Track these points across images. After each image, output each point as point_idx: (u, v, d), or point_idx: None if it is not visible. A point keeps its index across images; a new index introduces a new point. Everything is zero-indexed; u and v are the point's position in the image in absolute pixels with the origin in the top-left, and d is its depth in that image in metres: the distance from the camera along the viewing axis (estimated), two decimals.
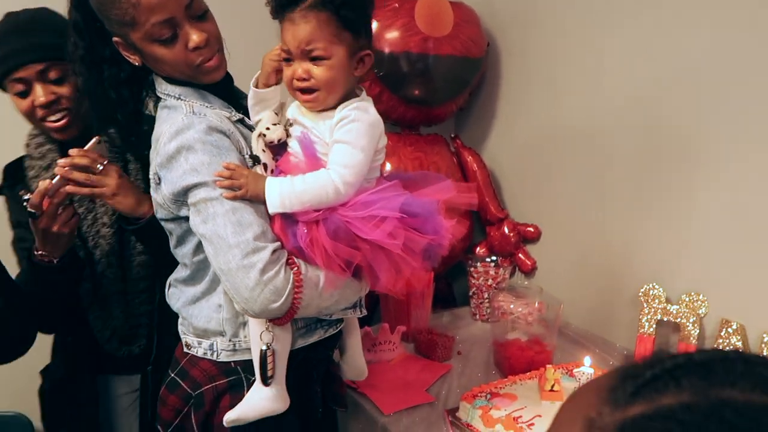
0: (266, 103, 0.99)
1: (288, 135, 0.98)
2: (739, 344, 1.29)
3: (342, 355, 1.19)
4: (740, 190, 1.30)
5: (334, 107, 0.94)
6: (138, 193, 1.09)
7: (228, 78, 1.05)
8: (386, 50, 1.71)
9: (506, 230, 1.90)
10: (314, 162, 0.94)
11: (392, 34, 1.70)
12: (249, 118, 1.02)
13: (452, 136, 1.98)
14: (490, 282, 1.77)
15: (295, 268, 0.91)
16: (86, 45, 0.99)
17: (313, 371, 1.09)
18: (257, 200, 0.91)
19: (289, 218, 0.91)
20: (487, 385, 1.30)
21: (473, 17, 1.82)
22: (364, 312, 1.10)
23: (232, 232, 0.88)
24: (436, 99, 1.81)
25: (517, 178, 1.94)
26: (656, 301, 1.45)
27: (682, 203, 1.42)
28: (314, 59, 0.91)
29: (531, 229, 1.87)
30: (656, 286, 1.45)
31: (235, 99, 1.06)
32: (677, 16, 1.38)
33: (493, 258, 1.82)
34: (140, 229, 1.09)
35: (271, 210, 0.90)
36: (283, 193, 0.90)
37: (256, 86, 1.00)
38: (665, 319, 1.43)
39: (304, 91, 0.93)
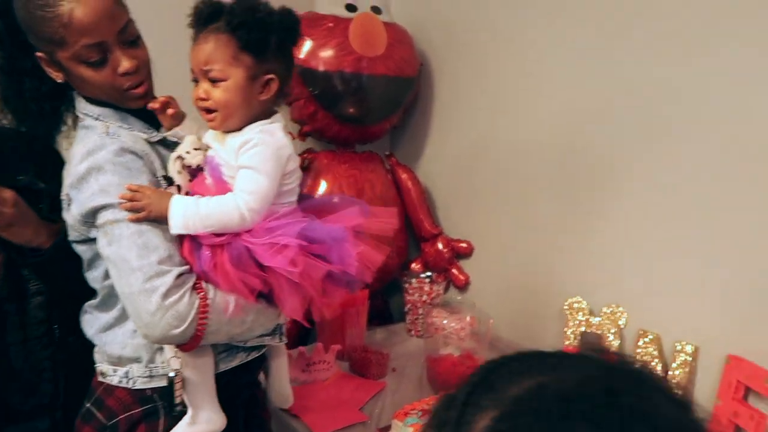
0: (181, 139, 1.00)
1: None
2: (655, 353, 1.36)
3: (267, 380, 1.18)
4: (652, 209, 1.37)
5: (240, 129, 0.95)
6: (36, 221, 1.04)
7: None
8: (321, 69, 1.72)
9: (440, 246, 1.94)
10: (221, 186, 0.94)
11: (327, 53, 1.72)
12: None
13: (387, 153, 2.01)
14: (424, 298, 1.79)
15: (202, 293, 0.89)
16: (6, 55, 0.96)
17: (236, 396, 1.07)
18: (162, 220, 0.89)
19: (196, 241, 0.90)
20: (419, 402, 1.31)
21: (406, 38, 1.86)
22: (284, 340, 1.09)
23: (137, 255, 0.86)
24: (370, 118, 1.83)
25: (451, 195, 1.98)
26: (580, 313, 1.51)
27: (602, 221, 1.49)
28: (212, 80, 0.92)
29: (464, 245, 1.92)
30: (580, 299, 1.52)
31: (158, 120, 1.05)
32: (600, 46, 1.45)
33: (428, 274, 1.85)
34: (40, 263, 1.04)
35: (173, 230, 0.89)
36: (186, 214, 0.89)
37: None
38: (588, 331, 1.49)
39: (206, 111, 0.94)
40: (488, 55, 1.78)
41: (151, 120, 1.01)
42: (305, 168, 1.87)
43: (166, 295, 0.86)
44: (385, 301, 2.08)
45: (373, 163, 1.92)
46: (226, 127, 0.95)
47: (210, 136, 0.99)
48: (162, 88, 1.04)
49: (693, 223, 1.30)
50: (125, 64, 0.92)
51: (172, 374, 0.93)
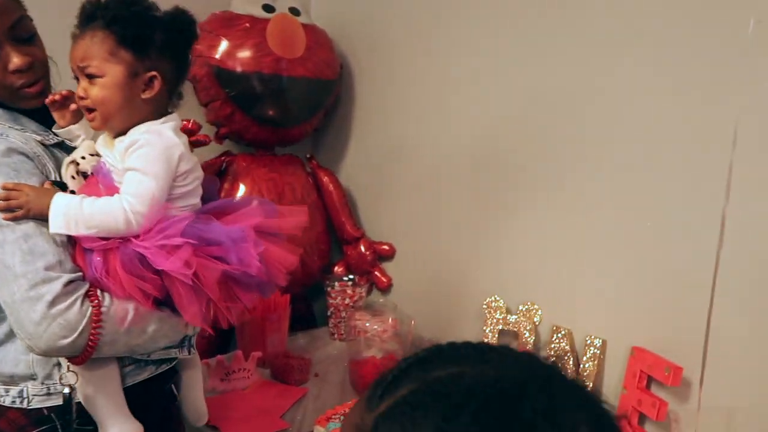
0: (75, 140, 0.96)
1: None
2: (567, 347, 1.42)
3: (179, 394, 1.13)
4: (561, 210, 1.43)
5: (126, 132, 0.91)
6: None
7: None
8: (238, 69, 1.68)
9: (362, 249, 1.94)
10: (112, 192, 0.89)
11: (244, 54, 1.68)
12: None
13: (308, 156, 1.99)
14: (347, 301, 1.79)
15: (96, 302, 0.85)
16: None
17: (147, 411, 1.02)
18: (42, 218, 0.84)
19: (85, 249, 0.86)
20: (341, 406, 1.31)
21: (326, 40, 1.85)
22: (193, 353, 1.05)
23: (21, 260, 0.81)
24: (289, 120, 1.81)
25: (372, 197, 1.99)
26: (498, 312, 1.55)
27: (515, 221, 1.54)
28: (89, 77, 0.89)
29: (386, 247, 1.93)
30: (497, 298, 1.56)
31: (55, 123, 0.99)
32: (514, 51, 1.50)
33: (351, 277, 1.85)
34: None
35: (52, 230, 0.84)
36: (68, 213, 0.84)
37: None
38: (506, 329, 1.54)
39: (87, 110, 0.90)
40: (406, 59, 1.80)
41: (47, 122, 0.96)
42: (223, 171, 1.82)
43: (53, 303, 0.81)
44: (308, 305, 2.06)
45: (294, 166, 1.90)
46: (110, 128, 0.91)
47: (100, 142, 0.94)
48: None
49: (597, 223, 1.36)
50: (16, 61, 0.88)
51: (66, 390, 0.88)
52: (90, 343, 0.84)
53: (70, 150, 0.96)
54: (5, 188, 0.83)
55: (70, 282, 0.83)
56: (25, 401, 0.91)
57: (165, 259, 0.85)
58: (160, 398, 1.07)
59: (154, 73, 0.91)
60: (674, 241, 1.23)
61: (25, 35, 0.90)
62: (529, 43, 1.46)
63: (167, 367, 1.02)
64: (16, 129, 0.90)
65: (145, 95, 0.91)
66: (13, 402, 0.91)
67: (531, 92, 1.47)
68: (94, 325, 0.84)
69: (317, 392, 1.47)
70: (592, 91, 1.34)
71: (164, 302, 0.90)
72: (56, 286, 0.82)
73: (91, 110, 0.90)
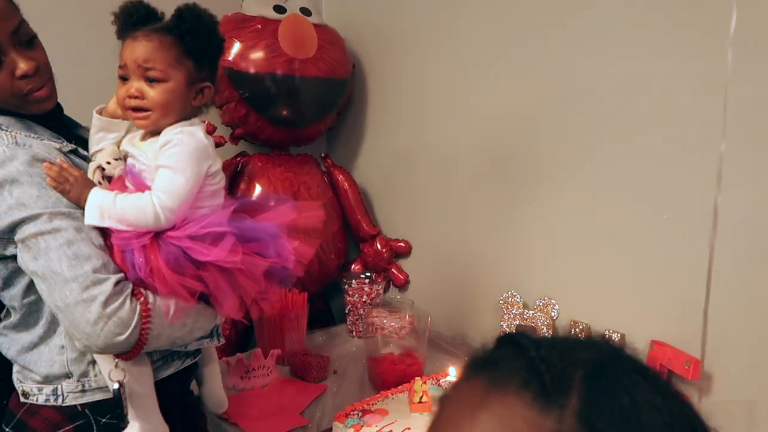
0: (108, 132, 0.97)
1: None
2: None
3: (200, 387, 1.16)
4: (581, 206, 1.42)
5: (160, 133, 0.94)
6: None
7: (58, 107, 1.00)
8: (251, 71, 1.69)
9: (379, 246, 1.95)
10: (143, 190, 0.92)
11: (256, 55, 1.69)
12: (84, 149, 0.98)
13: (322, 155, 2.00)
14: (365, 298, 1.80)
15: (142, 299, 0.87)
16: None
17: (170, 405, 1.04)
18: (77, 203, 0.88)
19: (125, 251, 0.88)
20: (360, 402, 1.31)
21: (338, 39, 1.86)
22: (222, 341, 1.08)
23: (68, 266, 0.83)
24: (303, 120, 1.82)
25: (387, 195, 2.00)
26: (515, 307, 1.55)
27: (534, 218, 1.54)
28: (150, 80, 0.91)
29: (402, 244, 1.93)
30: (514, 293, 1.56)
31: (66, 129, 1.01)
32: (528, 46, 1.50)
33: (368, 274, 1.86)
34: None
35: (87, 221, 0.87)
36: (102, 206, 0.87)
37: (100, 114, 0.97)
38: (523, 324, 1.54)
39: (136, 109, 0.92)
40: (419, 56, 1.80)
41: (58, 129, 0.97)
42: (239, 172, 1.84)
43: (107, 303, 0.83)
44: (326, 303, 2.07)
45: (309, 165, 1.91)
46: (158, 127, 0.94)
47: (126, 144, 0.96)
48: (65, 92, 1.00)
49: (614, 216, 1.36)
50: (23, 66, 0.89)
51: (115, 386, 0.90)
52: (141, 338, 0.87)
53: (84, 157, 0.97)
54: (62, 167, 0.87)
55: (118, 282, 0.86)
56: (60, 398, 0.93)
57: (209, 250, 0.88)
58: (182, 393, 1.09)
59: (208, 83, 0.96)
60: (691, 234, 1.22)
61: (26, 38, 0.91)
62: (543, 34, 1.46)
63: (191, 362, 1.05)
64: (34, 137, 0.91)
65: (196, 102, 0.96)
66: (47, 400, 0.93)
67: (546, 86, 1.46)
68: (144, 320, 0.86)
69: (336, 389, 1.48)
70: (608, 85, 1.33)
71: (198, 296, 0.93)
72: (107, 287, 0.84)
73: (140, 110, 0.92)
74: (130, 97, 0.92)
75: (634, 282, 1.34)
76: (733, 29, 0.85)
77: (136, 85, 0.91)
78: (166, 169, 0.90)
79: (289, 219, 1.00)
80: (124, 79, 0.93)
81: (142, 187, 0.92)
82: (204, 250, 0.88)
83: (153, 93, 0.91)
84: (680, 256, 1.25)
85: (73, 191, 0.87)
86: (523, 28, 1.49)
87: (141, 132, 0.98)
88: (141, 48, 0.90)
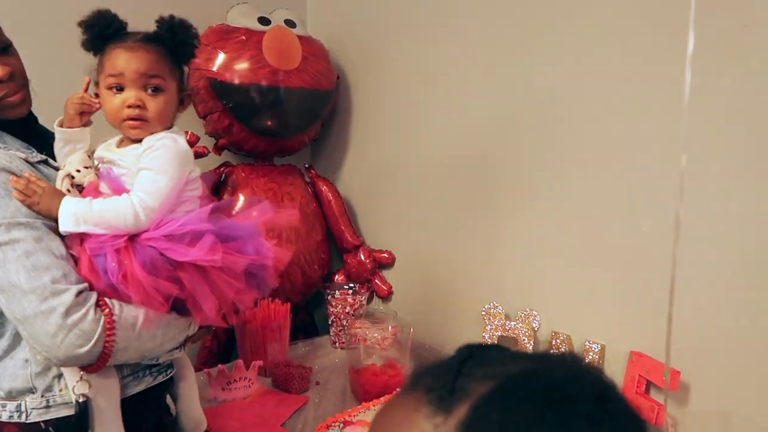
0: (74, 144, 0.97)
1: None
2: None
3: (176, 404, 1.14)
4: (562, 218, 1.44)
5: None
6: None
7: (30, 117, 0.99)
8: (236, 82, 1.70)
9: (362, 257, 1.95)
10: (121, 194, 0.91)
11: (241, 66, 1.70)
12: (55, 160, 0.97)
13: (306, 166, 2.01)
14: (348, 309, 1.80)
15: (107, 310, 0.86)
16: None
17: (143, 423, 1.03)
18: (49, 216, 0.87)
19: (97, 256, 0.87)
20: (341, 413, 1.31)
21: (322, 51, 1.87)
22: (184, 350, 1.06)
23: (26, 277, 0.82)
24: (287, 131, 1.82)
25: (371, 206, 2.00)
26: (497, 318, 1.56)
27: (516, 229, 1.55)
28: (152, 90, 0.93)
29: (386, 255, 1.94)
30: (496, 305, 1.57)
31: (40, 139, 1.00)
32: (504, 59, 1.52)
33: (351, 285, 1.86)
34: None
35: (62, 228, 0.86)
36: (77, 212, 0.86)
37: (61, 126, 0.98)
38: (504, 335, 1.55)
39: (134, 118, 0.92)
40: (403, 68, 1.81)
41: (30, 139, 0.97)
42: (222, 182, 1.83)
43: (67, 313, 0.82)
44: (309, 314, 2.07)
45: (293, 175, 1.92)
46: (145, 135, 0.95)
47: (105, 150, 0.97)
48: (39, 102, 1.00)
49: (594, 228, 1.37)
50: None
51: (80, 400, 0.88)
52: (105, 350, 0.86)
53: (55, 167, 0.97)
54: (29, 180, 0.86)
55: (80, 292, 0.85)
56: (23, 415, 0.91)
57: (187, 250, 0.88)
58: (156, 409, 1.07)
59: (188, 92, 1.00)
60: (661, 248, 1.23)
61: (1, 46, 0.91)
62: (521, 51, 1.48)
63: (164, 378, 1.03)
64: (0, 147, 0.90)
65: (179, 111, 0.99)
66: (11, 417, 0.91)
67: (525, 99, 1.49)
68: (108, 332, 0.85)
69: (318, 400, 1.47)
70: (584, 100, 1.35)
71: (171, 306, 0.92)
72: (67, 298, 0.83)
73: (139, 119, 0.93)
74: (130, 106, 0.92)
75: (613, 293, 1.35)
76: (691, 50, 0.90)
77: (136, 94, 0.92)
78: (148, 171, 0.91)
79: (266, 217, 1.01)
80: (116, 89, 0.93)
81: (119, 190, 0.91)
82: (182, 250, 0.88)
83: (154, 103, 0.93)
84: (649, 266, 1.27)
85: (43, 202, 0.86)
86: (504, 43, 1.51)
87: (116, 139, 0.98)
88: (142, 58, 0.92)
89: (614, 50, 1.28)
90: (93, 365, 0.87)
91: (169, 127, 0.97)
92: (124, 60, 0.91)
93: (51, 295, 0.82)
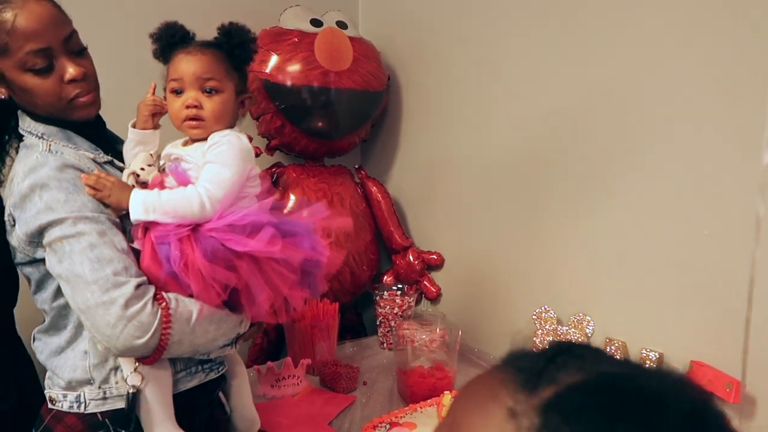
0: (145, 145, 1.02)
1: None
2: None
3: (229, 402, 1.15)
4: (618, 220, 1.39)
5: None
6: None
7: (99, 120, 1.04)
8: (288, 83, 1.72)
9: (411, 258, 1.94)
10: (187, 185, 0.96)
11: (293, 68, 1.72)
12: (122, 162, 1.01)
13: (356, 167, 2.02)
14: (396, 310, 1.79)
15: (164, 303, 0.89)
16: None
17: (194, 418, 1.05)
18: (119, 208, 0.91)
19: (161, 244, 0.90)
20: (388, 414, 1.31)
21: (373, 52, 1.88)
22: (236, 348, 1.08)
23: (90, 269, 0.85)
24: (337, 132, 1.84)
25: (421, 207, 1.99)
26: (548, 323, 1.52)
27: (569, 231, 1.51)
28: (208, 91, 0.97)
29: (435, 257, 1.92)
30: (548, 308, 1.53)
31: (107, 142, 1.05)
32: (562, 54, 1.48)
33: (399, 286, 1.85)
34: None
35: (133, 217, 0.90)
36: (146, 201, 0.91)
37: (134, 127, 1.03)
38: (556, 339, 1.50)
39: (192, 118, 0.97)
40: (452, 69, 1.80)
41: (98, 141, 1.01)
42: (274, 182, 1.86)
43: (126, 305, 0.85)
44: (358, 314, 2.07)
45: (342, 176, 1.93)
46: (207, 135, 0.99)
47: (170, 148, 1.02)
48: (106, 108, 1.04)
49: (653, 232, 1.32)
50: (71, 71, 0.92)
51: (132, 390, 0.91)
52: (161, 342, 0.88)
53: (120, 168, 1.01)
54: (99, 175, 0.91)
55: (139, 285, 0.88)
56: (82, 406, 0.94)
57: (247, 241, 0.91)
58: (208, 406, 1.10)
59: (249, 95, 1.04)
60: (734, 252, 1.17)
61: (77, 48, 0.95)
62: (575, 48, 1.44)
63: (216, 375, 1.05)
64: (70, 147, 0.95)
65: (240, 112, 1.03)
66: (71, 407, 0.94)
67: (583, 97, 1.44)
68: (164, 325, 0.88)
69: (365, 400, 1.48)
70: (648, 97, 1.30)
71: (224, 303, 0.95)
72: (127, 290, 0.86)
73: (197, 119, 0.97)
74: (188, 107, 0.97)
75: (673, 299, 1.29)
76: None
77: (194, 95, 0.97)
78: (214, 164, 0.95)
79: (323, 216, 1.04)
80: (177, 92, 0.98)
81: (186, 183, 0.95)
82: (242, 241, 0.91)
83: (210, 103, 0.97)
84: (721, 272, 1.20)
85: (113, 196, 0.91)
86: (561, 39, 1.48)
87: (183, 139, 1.02)
88: (199, 61, 0.97)
89: (687, 44, 1.22)
90: (149, 357, 0.89)
91: (230, 127, 1.01)
92: (183, 64, 0.97)
93: (112, 286, 0.85)
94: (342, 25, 1.82)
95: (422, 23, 1.89)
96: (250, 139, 1.67)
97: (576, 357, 0.40)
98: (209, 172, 0.94)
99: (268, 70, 1.72)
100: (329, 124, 1.80)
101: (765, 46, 0.87)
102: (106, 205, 0.92)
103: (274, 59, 1.72)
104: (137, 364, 0.92)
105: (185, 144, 1.02)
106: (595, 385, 0.37)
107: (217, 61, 0.98)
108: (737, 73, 1.14)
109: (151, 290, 0.89)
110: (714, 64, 1.18)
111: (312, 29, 1.76)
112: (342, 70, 1.75)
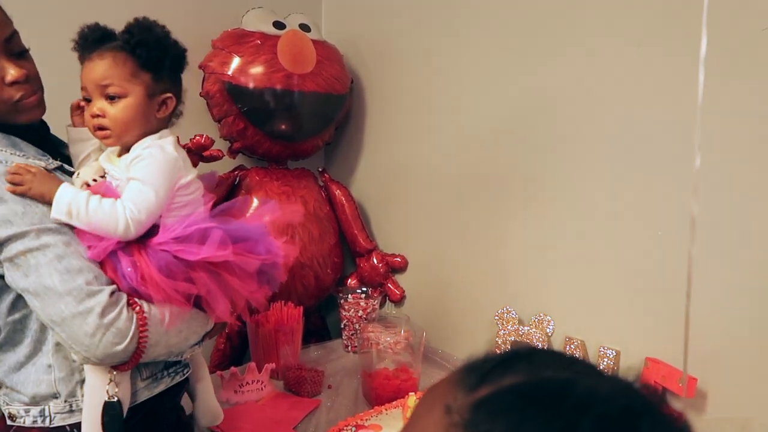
0: (83, 143, 1.00)
1: None
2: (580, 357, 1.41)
3: (193, 402, 1.15)
4: (575, 222, 1.43)
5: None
6: None
7: (43, 125, 1.01)
8: (250, 86, 1.71)
9: (375, 261, 1.95)
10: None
11: (256, 70, 1.71)
12: (70, 166, 0.99)
13: (320, 169, 2.01)
14: (360, 313, 1.80)
15: (138, 308, 0.88)
16: None
17: (161, 422, 1.04)
18: (41, 200, 0.87)
19: (115, 260, 0.88)
20: (353, 417, 1.31)
21: (336, 55, 1.88)
22: (200, 346, 1.07)
23: (60, 280, 0.83)
24: (301, 134, 1.83)
25: (384, 210, 2.00)
26: (510, 323, 1.55)
27: (530, 233, 1.54)
28: (110, 98, 0.92)
29: (398, 260, 1.93)
30: (509, 309, 1.56)
31: (52, 147, 1.01)
32: (517, 63, 1.51)
33: (364, 289, 1.86)
34: None
35: (53, 215, 0.86)
36: (73, 203, 0.87)
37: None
38: (518, 339, 1.53)
39: (100, 128, 0.93)
40: (417, 72, 1.82)
41: (44, 146, 0.98)
42: (237, 185, 1.84)
43: (103, 313, 0.84)
44: (322, 318, 2.07)
45: (306, 179, 1.92)
46: (123, 143, 0.95)
47: (103, 159, 0.98)
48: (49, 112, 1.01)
49: (608, 232, 1.36)
50: (13, 73, 0.89)
51: (114, 399, 0.90)
52: (140, 346, 0.88)
53: (70, 173, 0.98)
54: (18, 166, 0.86)
55: (113, 293, 0.86)
56: (47, 419, 0.91)
57: (198, 249, 0.89)
58: (173, 409, 1.09)
59: (169, 94, 0.97)
60: (673, 250, 1.22)
61: (18, 50, 0.92)
62: (532, 55, 1.48)
63: (181, 378, 1.04)
64: (17, 155, 0.91)
65: (160, 114, 0.97)
66: (35, 422, 0.91)
67: (537, 102, 1.48)
68: (141, 329, 0.87)
69: (330, 404, 1.47)
70: (597, 97, 1.35)
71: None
72: (102, 298, 0.84)
73: (103, 128, 0.93)
74: (93, 116, 0.93)
75: (626, 298, 1.34)
76: (704, 51, 0.89)
77: (98, 104, 0.93)
78: (137, 181, 0.91)
79: (273, 217, 1.03)
80: (87, 100, 0.94)
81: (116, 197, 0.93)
82: (194, 249, 0.89)
83: (113, 110, 0.92)
84: (663, 271, 1.25)
85: (36, 184, 0.86)
86: (516, 47, 1.51)
87: (118, 148, 0.98)
88: (96, 67, 0.92)
89: (626, 51, 1.28)
90: (126, 363, 0.89)
91: (155, 131, 0.97)
92: (85, 72, 0.93)
93: (87, 296, 0.84)
94: (305, 27, 1.82)
95: (385, 27, 1.91)
96: (211, 142, 1.65)
97: (528, 360, 0.42)
98: (133, 191, 0.90)
99: (230, 72, 1.70)
100: (292, 126, 1.79)
101: (696, 55, 0.93)
102: None
103: (236, 61, 1.70)
104: (113, 373, 0.90)
105: (119, 154, 0.98)
106: (528, 388, 0.39)
107: (116, 65, 0.91)
108: (671, 82, 1.20)
109: (124, 297, 0.88)
110: (648, 72, 1.24)
111: (275, 31, 1.75)
112: (305, 73, 1.75)
